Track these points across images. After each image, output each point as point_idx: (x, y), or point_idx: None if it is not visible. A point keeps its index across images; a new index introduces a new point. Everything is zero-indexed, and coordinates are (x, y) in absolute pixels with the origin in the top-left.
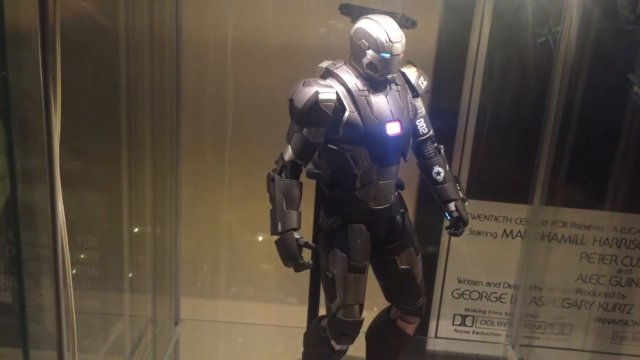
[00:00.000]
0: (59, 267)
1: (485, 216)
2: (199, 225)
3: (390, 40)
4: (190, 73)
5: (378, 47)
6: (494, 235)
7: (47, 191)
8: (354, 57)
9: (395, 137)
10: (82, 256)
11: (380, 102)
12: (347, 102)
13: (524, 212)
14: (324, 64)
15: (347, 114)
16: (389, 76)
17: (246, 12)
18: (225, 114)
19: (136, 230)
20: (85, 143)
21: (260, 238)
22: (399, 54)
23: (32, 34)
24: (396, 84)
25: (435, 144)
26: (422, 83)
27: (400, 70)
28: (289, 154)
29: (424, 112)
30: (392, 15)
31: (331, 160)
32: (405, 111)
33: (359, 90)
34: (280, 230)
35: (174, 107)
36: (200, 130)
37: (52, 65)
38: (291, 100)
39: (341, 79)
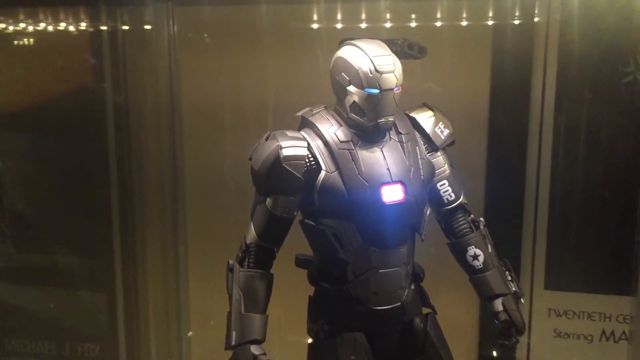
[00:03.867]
0: None
1: (574, 313)
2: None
3: (376, 70)
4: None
5: (361, 80)
6: (589, 338)
7: None
8: (337, 98)
9: (397, 206)
10: None
11: (372, 157)
12: (323, 159)
13: (627, 307)
14: (301, 112)
15: (322, 174)
16: (382, 120)
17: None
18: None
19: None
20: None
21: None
22: (391, 88)
23: None
24: (398, 133)
25: (471, 215)
26: (442, 132)
27: (408, 115)
28: (251, 234)
29: (448, 171)
30: (390, 42)
31: (313, 242)
32: (413, 170)
33: (340, 142)
34: (234, 343)
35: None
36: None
37: None
38: (250, 160)
39: (317, 128)
